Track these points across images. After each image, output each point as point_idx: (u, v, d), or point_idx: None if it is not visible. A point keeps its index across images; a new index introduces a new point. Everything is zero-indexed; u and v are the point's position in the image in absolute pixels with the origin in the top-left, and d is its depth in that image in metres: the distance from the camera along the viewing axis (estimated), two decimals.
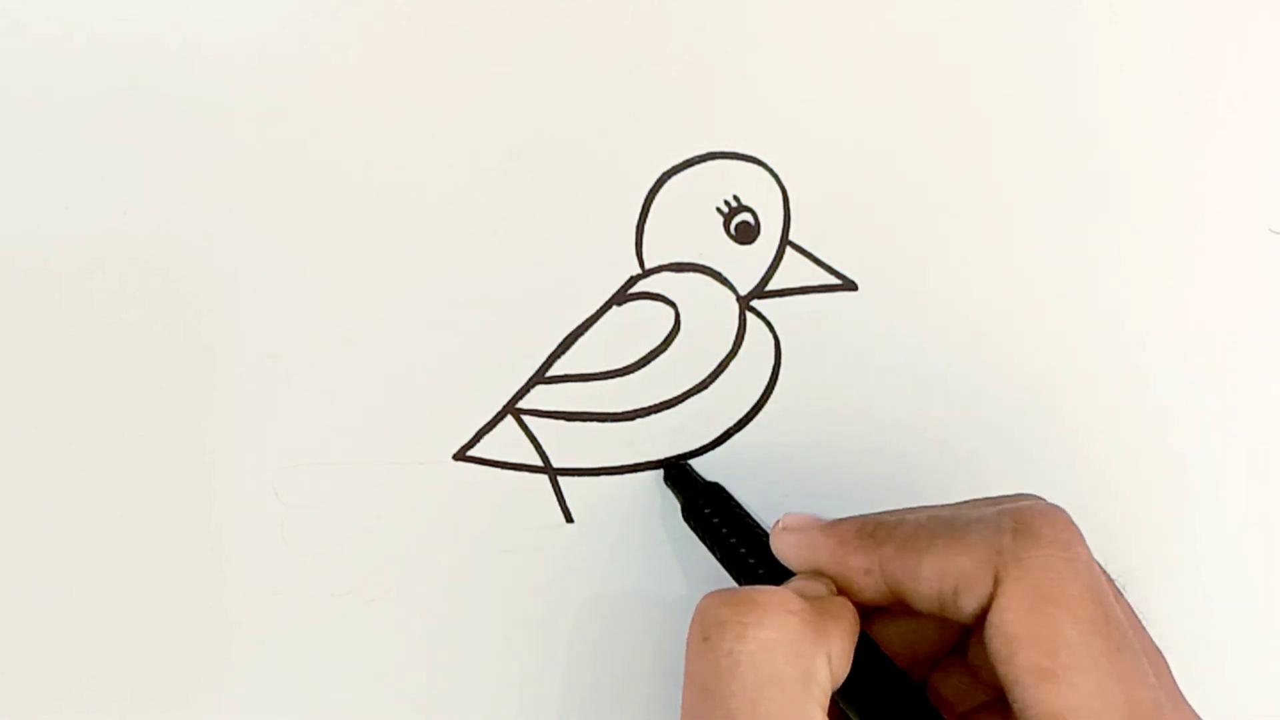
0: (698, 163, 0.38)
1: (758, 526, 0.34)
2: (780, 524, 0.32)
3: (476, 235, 0.37)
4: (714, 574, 0.37)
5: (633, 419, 0.37)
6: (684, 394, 0.37)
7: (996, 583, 0.27)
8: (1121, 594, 0.30)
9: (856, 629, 0.29)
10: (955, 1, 0.39)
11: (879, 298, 0.38)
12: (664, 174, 0.38)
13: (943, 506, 0.31)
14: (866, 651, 0.29)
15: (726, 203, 0.38)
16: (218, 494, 0.36)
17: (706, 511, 0.35)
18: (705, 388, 0.37)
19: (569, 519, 0.37)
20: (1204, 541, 0.38)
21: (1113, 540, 0.38)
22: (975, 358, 0.38)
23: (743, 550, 0.33)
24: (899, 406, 0.38)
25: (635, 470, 0.37)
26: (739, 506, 0.35)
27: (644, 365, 0.37)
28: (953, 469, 0.38)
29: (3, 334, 0.37)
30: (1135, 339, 0.38)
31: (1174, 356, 0.38)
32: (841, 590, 0.30)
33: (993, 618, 0.27)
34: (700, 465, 0.37)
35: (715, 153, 0.38)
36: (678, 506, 0.36)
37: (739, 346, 0.38)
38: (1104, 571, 0.29)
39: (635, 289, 0.38)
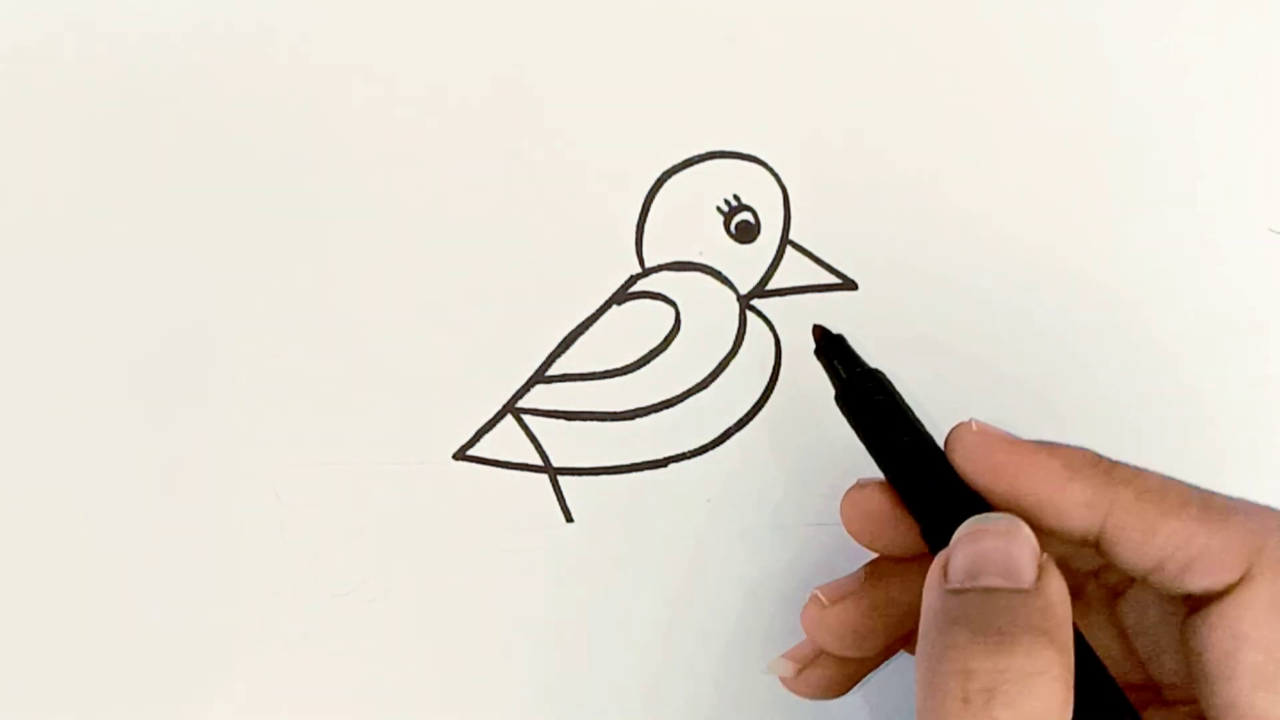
0: (698, 162, 0.38)
1: (924, 430, 0.30)
2: (973, 424, 0.29)
3: (476, 235, 0.37)
4: (715, 574, 0.37)
5: (633, 418, 0.37)
6: (684, 394, 0.37)
7: (1246, 577, 0.26)
8: None
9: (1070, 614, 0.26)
10: (955, 1, 0.39)
11: (879, 298, 0.38)
12: (664, 174, 0.38)
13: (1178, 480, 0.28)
14: (1089, 673, 0.26)
15: (727, 202, 0.38)
16: (218, 494, 0.36)
17: (878, 399, 0.30)
18: (705, 387, 0.37)
19: (569, 519, 0.37)
20: None
21: None
22: (975, 358, 0.38)
23: (904, 456, 0.29)
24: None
25: (635, 470, 0.37)
26: (904, 402, 0.31)
27: (644, 365, 0.37)
28: None
29: (2, 334, 0.37)
30: (1135, 339, 0.38)
31: (1174, 356, 0.38)
32: (1040, 522, 0.27)
33: (1226, 609, 0.26)
34: (700, 465, 0.37)
35: (715, 152, 0.38)
36: (676, 507, 0.36)
37: (739, 346, 0.38)
38: None
39: (635, 288, 0.38)
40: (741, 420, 0.38)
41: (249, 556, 0.36)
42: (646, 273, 0.38)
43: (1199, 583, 0.27)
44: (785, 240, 0.38)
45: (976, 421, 0.29)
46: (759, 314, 0.38)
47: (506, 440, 0.37)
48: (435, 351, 0.37)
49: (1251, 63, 0.39)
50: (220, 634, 0.36)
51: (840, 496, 0.37)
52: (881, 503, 0.30)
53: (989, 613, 0.25)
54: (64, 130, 0.37)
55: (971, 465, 0.29)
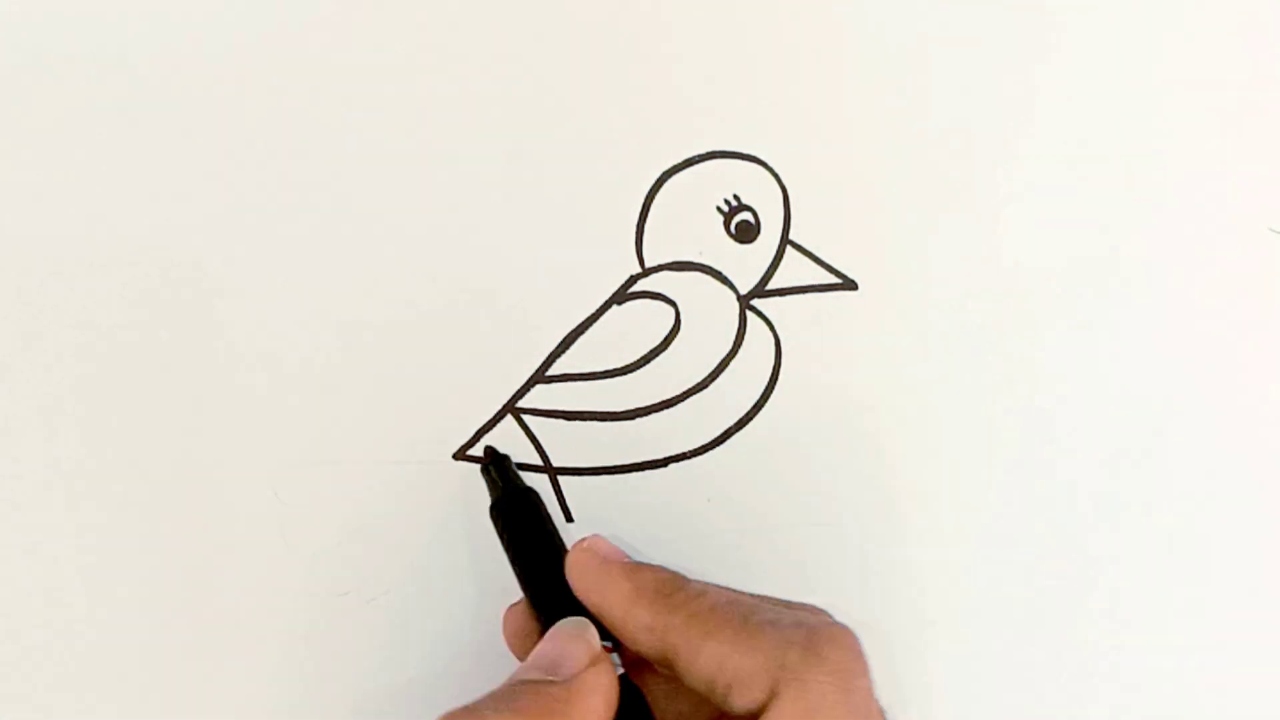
0: (698, 162, 0.38)
1: (561, 545, 0.33)
2: (584, 542, 0.32)
3: (476, 235, 0.37)
4: (715, 574, 0.37)
5: (633, 418, 0.37)
6: (684, 393, 0.37)
7: (773, 694, 0.27)
8: None
9: (611, 706, 0.29)
10: (955, 2, 0.39)
11: (879, 298, 0.38)
12: (664, 174, 0.38)
13: (747, 595, 0.31)
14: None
15: (727, 202, 0.38)
16: (218, 494, 0.36)
17: (515, 514, 0.34)
18: (705, 387, 0.37)
19: (569, 518, 0.37)
20: (1204, 540, 0.38)
21: (1112, 540, 0.38)
22: (974, 357, 0.38)
23: (535, 570, 0.33)
24: (899, 406, 0.38)
25: (635, 470, 0.37)
26: (549, 521, 0.34)
27: (644, 364, 0.37)
28: (953, 469, 0.38)
29: (2, 334, 0.37)
30: (1135, 338, 0.38)
31: (1174, 356, 0.38)
32: (618, 635, 0.30)
33: None
34: (700, 465, 0.37)
35: (715, 152, 0.38)
36: (676, 507, 0.36)
37: (739, 346, 0.38)
38: (880, 707, 0.29)
39: (635, 288, 0.38)
40: (741, 420, 0.38)
41: (249, 556, 0.36)
42: (646, 273, 0.38)
43: (740, 703, 0.28)
44: (785, 240, 0.38)
45: (592, 539, 0.32)
46: (759, 314, 0.38)
47: (506, 440, 0.37)
48: (435, 351, 0.37)
49: (1251, 63, 0.39)
50: (220, 634, 0.36)
51: (840, 496, 0.38)
52: (526, 619, 0.33)
53: (517, 697, 0.28)
54: (64, 130, 0.37)
55: (573, 582, 0.32)
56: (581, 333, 0.37)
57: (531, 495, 0.35)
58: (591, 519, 0.37)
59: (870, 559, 0.37)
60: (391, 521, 0.36)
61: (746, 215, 0.38)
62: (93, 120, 0.37)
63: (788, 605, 0.31)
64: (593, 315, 0.37)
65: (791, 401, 0.38)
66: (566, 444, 0.37)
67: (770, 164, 0.38)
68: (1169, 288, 0.39)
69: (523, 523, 0.34)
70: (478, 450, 0.37)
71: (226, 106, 0.37)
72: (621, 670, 0.30)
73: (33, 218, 0.37)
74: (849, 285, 0.38)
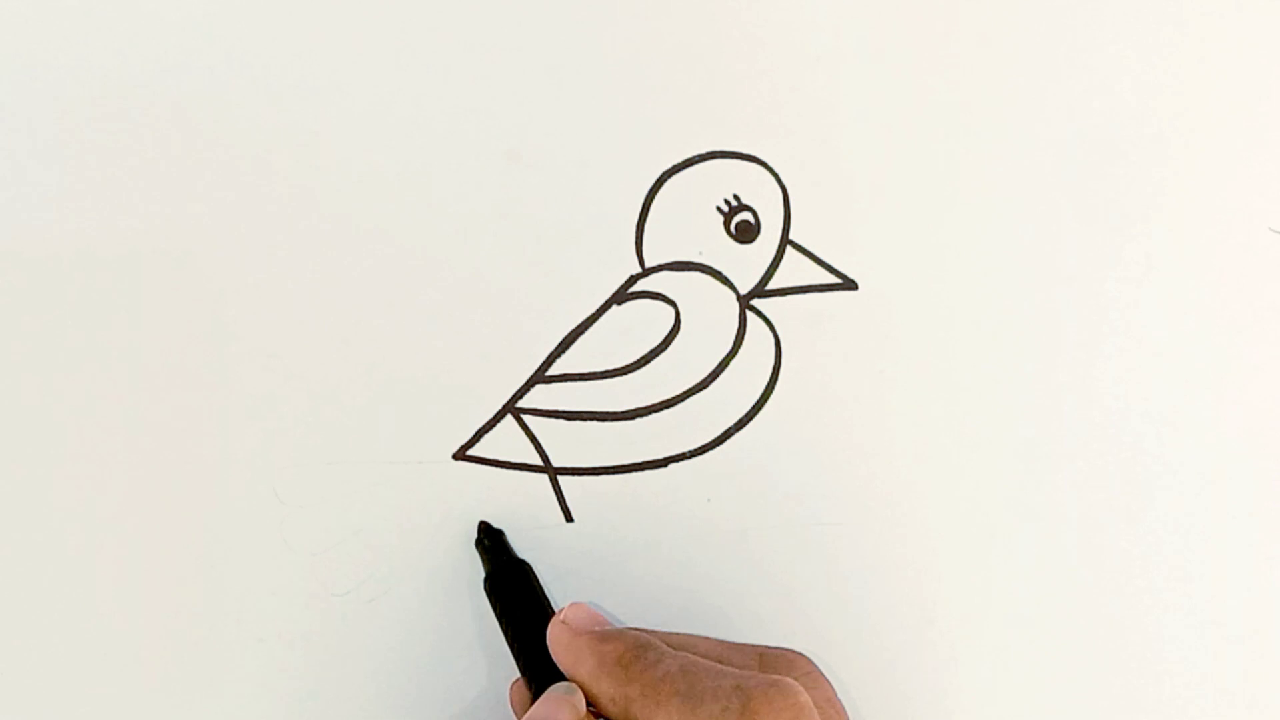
0: (698, 162, 0.38)
1: (551, 615, 0.34)
2: (561, 615, 0.33)
3: (476, 235, 0.37)
4: (715, 574, 0.37)
5: (633, 418, 0.37)
6: (684, 393, 0.37)
7: None
8: None
9: None
10: (955, 2, 0.39)
11: (879, 298, 0.38)
12: (664, 174, 0.38)
13: (711, 648, 0.33)
14: None
15: (727, 201, 0.38)
16: (218, 494, 0.36)
17: (509, 588, 0.35)
18: (705, 387, 0.37)
19: (569, 519, 0.37)
20: (1202, 539, 0.38)
21: (1113, 540, 0.38)
22: (975, 357, 0.38)
23: (522, 644, 0.34)
24: (899, 406, 0.38)
25: (635, 470, 0.37)
26: (541, 592, 0.35)
27: (644, 364, 0.37)
28: (953, 469, 0.38)
29: (2, 334, 0.37)
30: (1135, 338, 0.38)
31: (1174, 355, 0.38)
32: (593, 704, 0.32)
33: None
34: (700, 465, 0.37)
35: (715, 152, 0.38)
36: (676, 507, 0.36)
37: (739, 346, 0.38)
38: None
39: (635, 288, 0.38)
40: (741, 420, 0.38)
41: (249, 556, 0.36)
42: (646, 273, 0.38)
43: None
44: (785, 240, 0.38)
45: (570, 609, 0.34)
46: (759, 314, 0.38)
47: (506, 440, 0.37)
48: (435, 351, 0.37)
49: (1251, 63, 0.39)
50: (220, 634, 0.36)
51: (840, 496, 0.38)
52: (526, 693, 0.34)
53: None
54: (64, 129, 0.37)
55: (553, 654, 0.33)
56: (581, 333, 0.37)
57: (524, 568, 0.35)
58: (591, 519, 0.37)
59: (870, 559, 0.37)
60: (391, 521, 0.36)
61: (746, 215, 0.38)
62: (93, 120, 0.37)
63: (760, 654, 0.33)
64: (593, 315, 0.37)
65: (791, 401, 0.38)
66: (566, 444, 0.37)
67: (770, 164, 0.38)
68: (1169, 288, 0.39)
69: (516, 595, 0.35)
70: (479, 450, 0.37)
71: (227, 106, 0.37)
72: None
73: (33, 217, 0.37)
74: (849, 285, 0.38)
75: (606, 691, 0.31)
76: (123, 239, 0.37)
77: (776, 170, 0.38)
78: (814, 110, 0.39)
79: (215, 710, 0.36)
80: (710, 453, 0.37)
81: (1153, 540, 0.38)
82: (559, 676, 0.33)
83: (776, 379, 0.38)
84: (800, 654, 0.34)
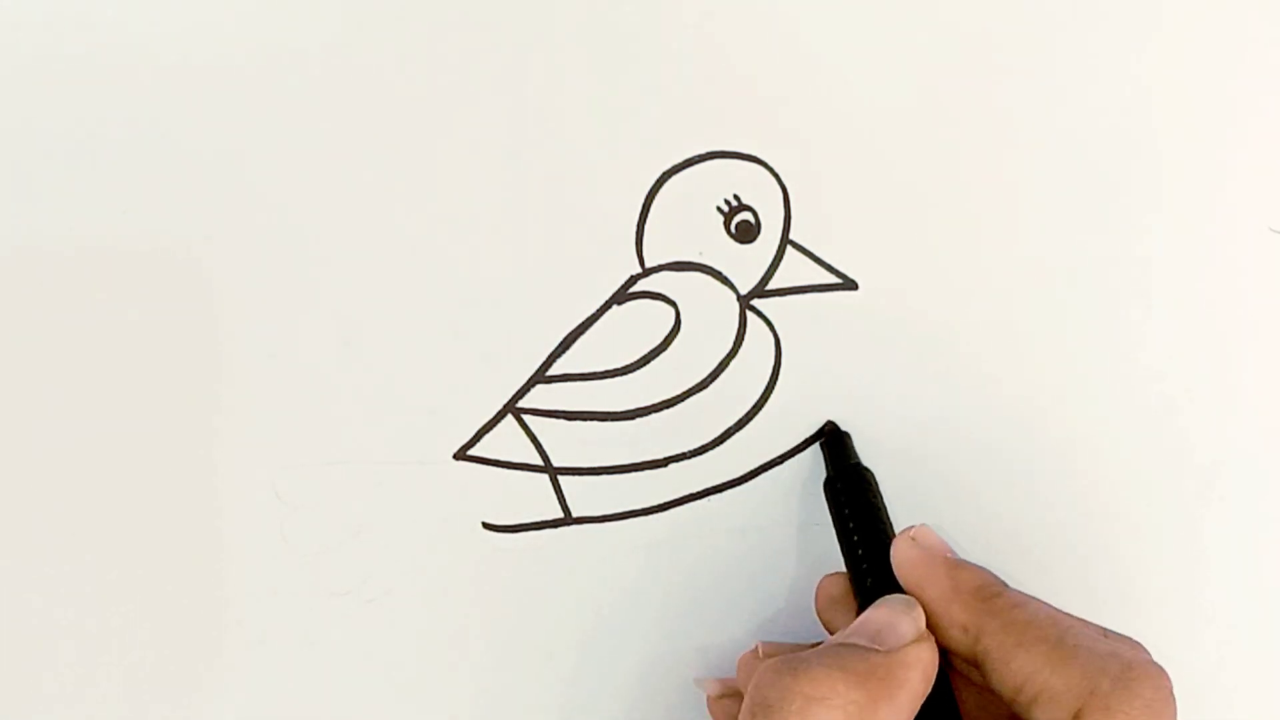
0: (698, 162, 0.38)
1: (889, 526, 0.34)
2: (910, 532, 0.32)
3: (476, 235, 0.37)
4: (714, 574, 0.37)
5: (633, 418, 0.37)
6: (684, 393, 0.37)
7: (1077, 717, 0.28)
8: None
9: (928, 682, 0.29)
10: (955, 2, 0.39)
11: (879, 298, 0.38)
12: (664, 173, 0.38)
13: (1065, 615, 0.31)
14: (938, 706, 0.29)
15: (727, 201, 0.38)
16: (218, 494, 0.36)
17: (848, 491, 0.35)
18: (705, 387, 0.37)
19: (569, 518, 0.37)
20: (1207, 545, 0.38)
21: (1113, 542, 0.38)
22: (975, 357, 0.38)
23: (861, 547, 0.33)
24: (898, 407, 0.38)
25: (635, 470, 0.37)
26: (880, 500, 0.35)
27: (644, 365, 0.37)
28: (953, 469, 0.38)
29: (2, 333, 0.37)
30: (1135, 338, 0.38)
31: (1174, 356, 0.38)
32: (932, 628, 0.31)
33: None
34: (700, 464, 0.37)
35: (715, 152, 0.38)
36: (675, 507, 0.36)
37: (739, 346, 0.38)
38: None
39: (635, 288, 0.38)
40: (741, 420, 0.38)
41: (249, 556, 0.36)
42: (646, 273, 0.38)
43: (1042, 717, 0.28)
44: (785, 240, 0.38)
45: (919, 529, 0.32)
46: (759, 314, 0.38)
47: (507, 440, 0.37)
48: (436, 351, 0.37)
49: (1251, 62, 0.39)
50: (220, 634, 0.36)
51: None
52: (841, 589, 0.34)
53: (842, 657, 0.28)
54: (65, 129, 0.37)
55: (898, 569, 0.32)
56: (581, 333, 0.37)
57: (865, 474, 0.35)
58: (591, 519, 0.37)
59: None
60: (391, 521, 0.37)
61: (746, 215, 0.38)
62: (93, 119, 0.37)
63: (1105, 633, 0.31)
64: (593, 315, 0.37)
65: (791, 401, 0.38)
66: (566, 444, 0.37)
67: (770, 164, 0.38)
68: (1169, 288, 0.39)
69: (854, 500, 0.34)
70: (479, 450, 0.37)
71: (227, 105, 0.37)
72: None
73: (33, 217, 0.37)
74: (849, 285, 0.38)
75: (958, 619, 0.30)
76: (123, 239, 0.37)
77: (776, 170, 0.38)
78: (814, 110, 0.39)
79: (215, 710, 0.36)
80: (710, 453, 0.37)
81: (1153, 540, 0.38)
82: (892, 589, 0.32)
83: (776, 379, 0.38)
84: (1141, 644, 0.31)
